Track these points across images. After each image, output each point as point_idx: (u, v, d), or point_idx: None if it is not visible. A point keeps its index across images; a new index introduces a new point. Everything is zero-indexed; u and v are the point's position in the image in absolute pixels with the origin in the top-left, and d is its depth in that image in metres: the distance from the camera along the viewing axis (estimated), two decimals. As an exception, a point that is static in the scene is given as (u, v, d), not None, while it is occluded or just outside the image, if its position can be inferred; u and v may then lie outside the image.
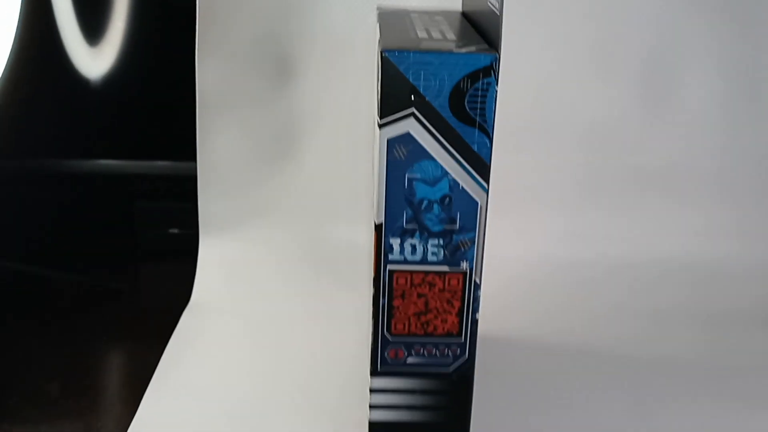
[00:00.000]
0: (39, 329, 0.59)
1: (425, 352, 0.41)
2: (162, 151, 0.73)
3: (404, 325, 0.40)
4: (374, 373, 0.41)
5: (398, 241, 0.38)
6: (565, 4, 0.69)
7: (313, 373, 0.53)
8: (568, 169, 0.72)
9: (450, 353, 0.41)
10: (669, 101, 0.71)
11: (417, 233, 0.38)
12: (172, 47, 0.69)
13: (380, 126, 0.36)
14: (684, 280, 0.71)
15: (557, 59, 0.69)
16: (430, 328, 0.40)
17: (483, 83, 0.35)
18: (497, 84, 0.36)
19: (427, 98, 0.35)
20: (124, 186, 0.72)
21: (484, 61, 0.35)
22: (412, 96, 0.35)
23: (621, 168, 0.72)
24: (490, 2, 0.38)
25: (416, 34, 0.40)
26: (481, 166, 0.37)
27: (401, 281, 0.39)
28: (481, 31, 0.41)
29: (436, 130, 0.36)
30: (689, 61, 0.70)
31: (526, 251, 0.69)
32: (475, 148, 0.37)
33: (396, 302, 0.40)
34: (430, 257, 0.39)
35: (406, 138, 0.36)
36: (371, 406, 0.42)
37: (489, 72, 0.35)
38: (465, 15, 0.49)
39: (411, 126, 0.36)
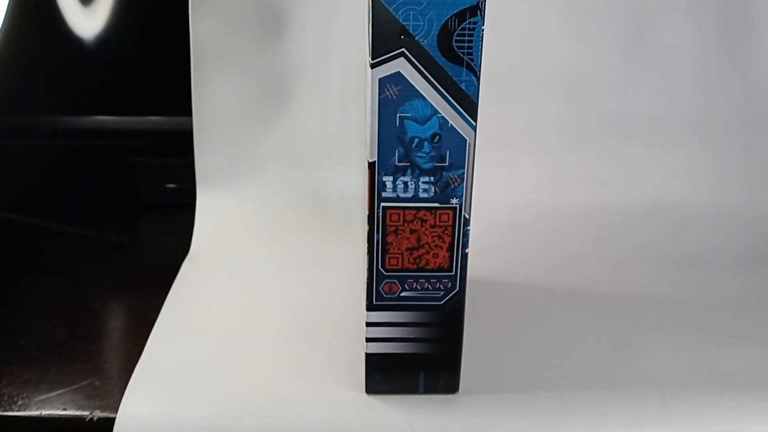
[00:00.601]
0: (42, 279, 0.61)
1: (418, 286, 0.43)
2: (157, 106, 0.73)
3: (398, 260, 0.42)
4: (370, 307, 0.43)
5: (390, 178, 0.40)
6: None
7: (310, 313, 0.55)
8: (548, 117, 0.73)
9: (441, 287, 0.43)
10: (647, 48, 0.71)
11: (408, 171, 0.40)
12: (164, 3, 0.69)
13: (371, 66, 0.38)
14: (663, 222, 0.73)
15: (536, 8, 0.70)
16: (423, 263, 0.42)
17: (470, 22, 0.37)
18: (484, 23, 0.37)
19: (416, 38, 0.37)
20: (121, 141, 0.73)
21: (470, 0, 0.36)
22: (402, 36, 0.37)
23: (601, 115, 0.73)
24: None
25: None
26: (468, 105, 0.39)
27: (394, 218, 0.41)
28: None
29: (426, 69, 0.38)
30: (667, 8, 0.70)
31: (509, 197, 0.70)
32: (463, 86, 0.38)
33: (389, 238, 0.42)
34: (421, 194, 0.41)
35: (397, 77, 0.38)
36: (368, 339, 0.44)
37: (475, 11, 0.36)
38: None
39: (401, 66, 0.38)
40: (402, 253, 0.42)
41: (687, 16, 0.71)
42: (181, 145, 0.68)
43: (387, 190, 0.40)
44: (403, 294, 0.43)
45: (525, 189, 0.72)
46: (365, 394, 0.46)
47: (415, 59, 0.37)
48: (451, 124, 0.39)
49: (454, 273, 0.42)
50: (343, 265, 0.61)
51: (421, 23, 0.37)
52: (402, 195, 0.40)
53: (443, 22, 0.36)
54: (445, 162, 0.40)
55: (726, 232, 0.71)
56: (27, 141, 0.73)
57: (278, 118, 0.70)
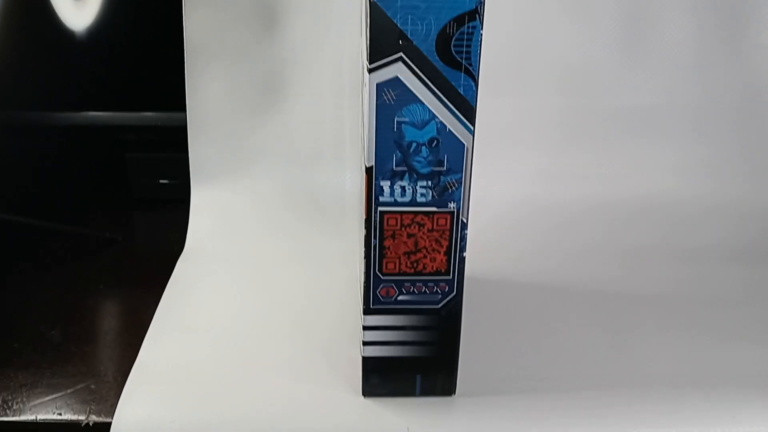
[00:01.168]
0: (36, 278, 0.61)
1: (415, 290, 0.42)
2: (151, 101, 0.73)
3: (395, 264, 0.42)
4: (367, 311, 0.43)
5: (388, 183, 0.40)
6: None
7: (307, 312, 0.55)
8: (547, 112, 0.73)
9: (439, 290, 0.42)
10: (645, 43, 0.71)
11: (406, 175, 0.39)
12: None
13: (369, 71, 0.37)
14: (661, 218, 0.73)
15: (535, 2, 0.69)
16: (420, 267, 0.42)
17: (468, 27, 0.36)
18: (482, 28, 0.36)
19: (414, 42, 0.36)
20: (115, 137, 0.73)
21: (469, 4, 0.36)
22: (400, 40, 0.36)
23: (599, 109, 0.73)
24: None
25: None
26: (467, 109, 0.38)
27: (392, 222, 0.41)
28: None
29: (424, 73, 0.37)
30: (666, 3, 0.70)
31: (508, 192, 0.70)
32: (461, 91, 0.38)
33: (387, 242, 0.41)
34: (419, 198, 0.40)
35: (395, 82, 0.37)
36: (364, 343, 0.44)
37: (474, 15, 0.36)
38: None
39: (399, 70, 0.37)
40: (399, 257, 0.42)
41: (685, 11, 0.70)
42: (176, 141, 0.68)
43: (384, 194, 0.40)
44: (400, 298, 0.43)
45: (522, 184, 0.72)
46: (362, 397, 0.46)
47: (414, 64, 0.37)
48: (449, 129, 0.38)
49: (451, 277, 0.42)
50: (339, 261, 0.61)
51: (420, 27, 0.36)
52: (399, 199, 0.40)
53: (442, 26, 0.36)
54: (443, 166, 0.39)
55: (724, 228, 0.71)
56: (19, 138, 0.73)
57: (272, 113, 0.70)
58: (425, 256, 0.42)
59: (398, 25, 0.36)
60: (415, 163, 0.39)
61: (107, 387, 0.47)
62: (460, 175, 0.39)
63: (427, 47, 0.36)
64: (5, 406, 0.45)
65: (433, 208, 0.40)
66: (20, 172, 0.71)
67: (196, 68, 0.66)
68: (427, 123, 0.38)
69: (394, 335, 0.44)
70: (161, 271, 0.60)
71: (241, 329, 0.53)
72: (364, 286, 0.42)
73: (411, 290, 0.42)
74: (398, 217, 0.41)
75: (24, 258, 0.63)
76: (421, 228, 0.41)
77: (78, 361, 0.50)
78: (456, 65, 0.37)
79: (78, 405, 0.45)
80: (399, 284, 0.42)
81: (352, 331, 0.49)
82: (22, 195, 0.70)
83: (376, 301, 0.43)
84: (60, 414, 0.45)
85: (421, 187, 0.40)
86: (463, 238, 0.41)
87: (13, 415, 0.44)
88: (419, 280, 0.42)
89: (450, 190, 0.40)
